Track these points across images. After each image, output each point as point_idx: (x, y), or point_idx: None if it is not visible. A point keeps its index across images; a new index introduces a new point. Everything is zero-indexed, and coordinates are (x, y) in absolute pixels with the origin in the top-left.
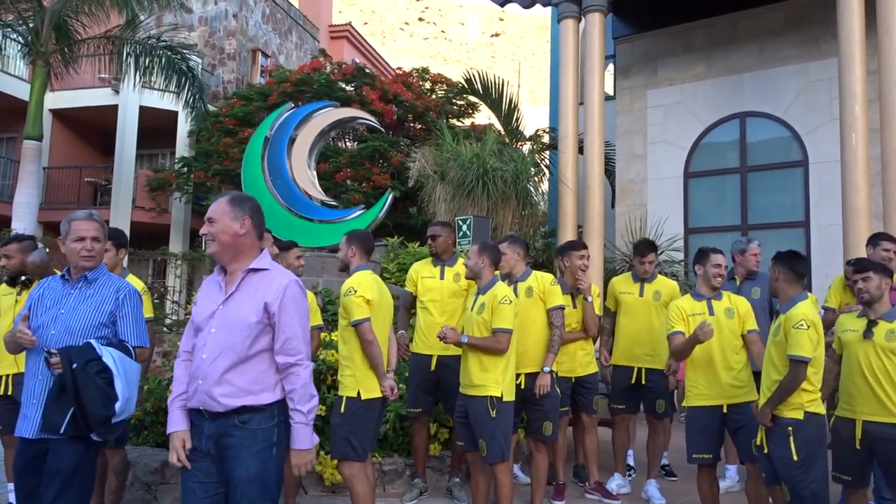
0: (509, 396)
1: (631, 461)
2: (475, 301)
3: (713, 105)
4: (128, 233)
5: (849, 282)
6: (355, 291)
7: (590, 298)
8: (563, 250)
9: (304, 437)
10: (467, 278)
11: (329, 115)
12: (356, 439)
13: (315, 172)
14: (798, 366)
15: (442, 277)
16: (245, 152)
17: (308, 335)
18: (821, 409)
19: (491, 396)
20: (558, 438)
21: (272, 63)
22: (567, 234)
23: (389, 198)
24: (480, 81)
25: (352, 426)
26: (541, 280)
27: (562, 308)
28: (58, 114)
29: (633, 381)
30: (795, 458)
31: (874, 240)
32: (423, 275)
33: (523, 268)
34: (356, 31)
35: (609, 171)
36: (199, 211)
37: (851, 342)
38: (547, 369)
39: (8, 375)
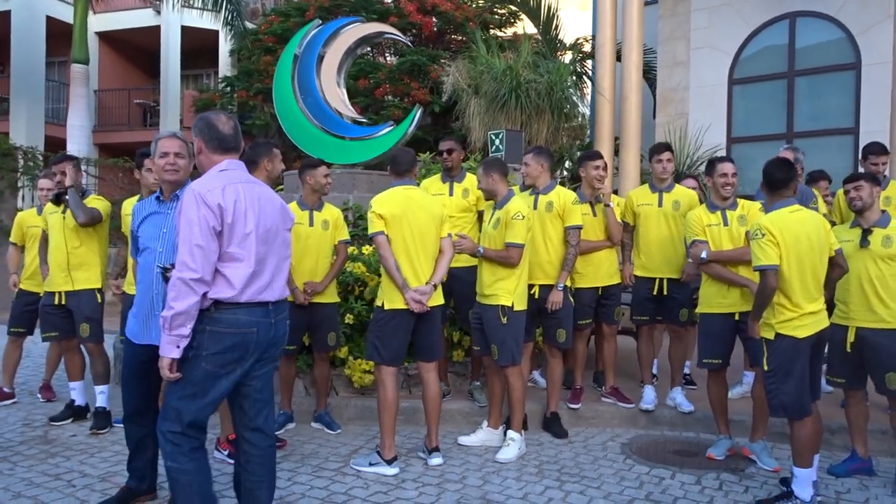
0: (520, 306)
1: (654, 370)
2: (492, 216)
3: (761, 5)
4: None
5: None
6: (371, 207)
7: (611, 205)
8: (580, 160)
9: (162, 343)
10: (487, 199)
11: (356, 30)
12: (381, 345)
13: (345, 90)
14: (763, 275)
15: (451, 194)
16: (275, 71)
17: (193, 244)
18: (799, 331)
19: (502, 305)
20: (572, 345)
21: None
22: (604, 146)
23: (418, 114)
24: None
25: (378, 333)
26: (563, 196)
27: (579, 227)
28: (104, 36)
29: (654, 292)
30: (766, 368)
31: (864, 152)
32: (431, 191)
33: (547, 180)
34: None
35: (650, 80)
36: (244, 130)
37: (849, 253)
38: (560, 286)
39: (61, 292)
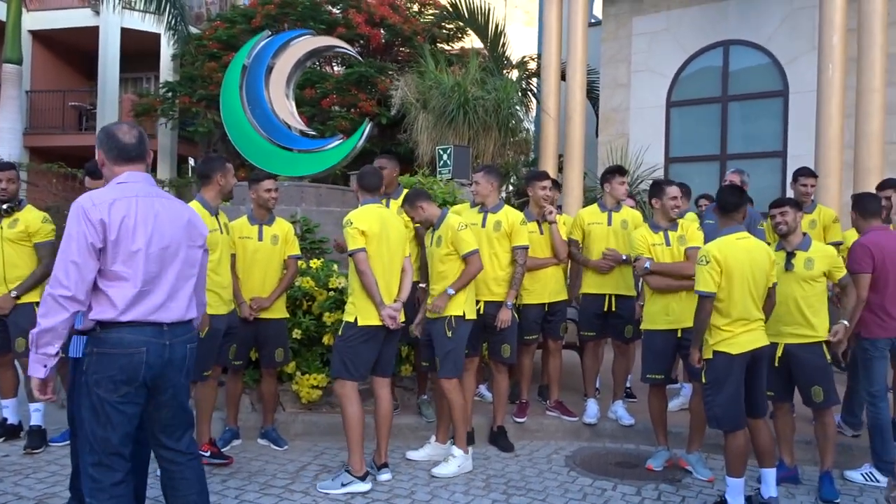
0: (470, 315)
1: (597, 384)
2: (433, 237)
3: (698, 33)
4: None
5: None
6: (351, 223)
7: (556, 223)
8: (527, 180)
9: (30, 363)
10: (427, 227)
11: (306, 43)
12: (350, 362)
13: (294, 102)
14: (700, 300)
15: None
16: (223, 81)
17: (68, 260)
18: (733, 347)
19: (450, 317)
20: (518, 360)
21: None
22: (548, 164)
23: (367, 127)
24: (466, 6)
25: (348, 349)
26: (511, 216)
27: (526, 248)
28: (38, 36)
29: (604, 309)
30: (703, 381)
31: (794, 175)
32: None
33: (496, 199)
34: None
35: (594, 100)
36: (185, 137)
37: (776, 275)
38: (509, 304)
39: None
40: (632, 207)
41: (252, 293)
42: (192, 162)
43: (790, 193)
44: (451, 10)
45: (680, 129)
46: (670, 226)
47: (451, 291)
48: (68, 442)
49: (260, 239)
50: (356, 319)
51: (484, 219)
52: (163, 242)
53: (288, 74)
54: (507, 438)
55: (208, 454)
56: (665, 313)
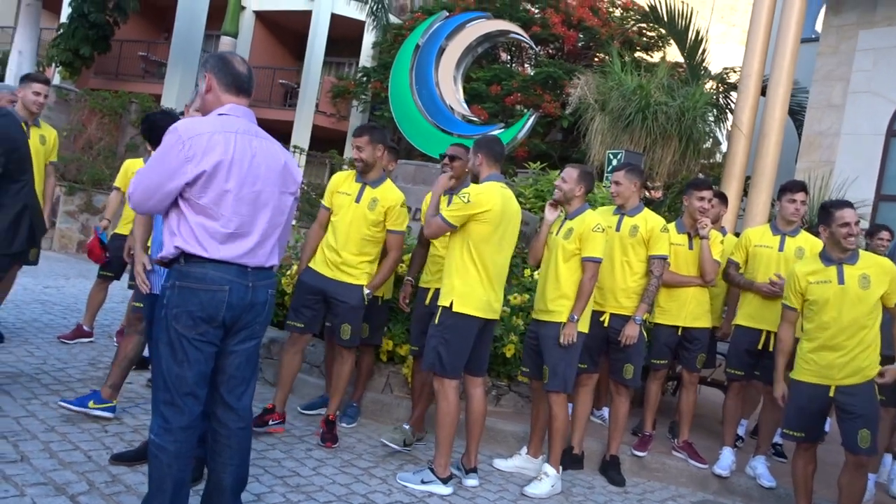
0: (583, 327)
1: (741, 431)
2: (562, 225)
3: None
4: (308, 135)
5: None
6: (481, 203)
7: (707, 238)
8: (686, 188)
9: None
10: (555, 199)
11: (480, 26)
12: (447, 354)
13: (461, 87)
14: None
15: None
16: (395, 58)
17: (143, 178)
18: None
19: (564, 323)
20: (644, 385)
21: None
22: (731, 184)
23: (531, 119)
24: (666, 9)
25: (444, 339)
26: (650, 222)
27: (664, 258)
28: (261, 16)
29: (759, 346)
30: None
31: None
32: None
33: (636, 202)
34: None
35: (798, 122)
36: (374, 121)
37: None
38: (638, 319)
39: None
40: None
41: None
42: None
43: None
44: (649, 12)
45: None
46: (847, 258)
47: (576, 317)
48: None
49: (357, 200)
50: (452, 303)
51: (619, 221)
52: (256, 185)
53: (459, 57)
54: (620, 471)
55: (278, 422)
56: (818, 364)
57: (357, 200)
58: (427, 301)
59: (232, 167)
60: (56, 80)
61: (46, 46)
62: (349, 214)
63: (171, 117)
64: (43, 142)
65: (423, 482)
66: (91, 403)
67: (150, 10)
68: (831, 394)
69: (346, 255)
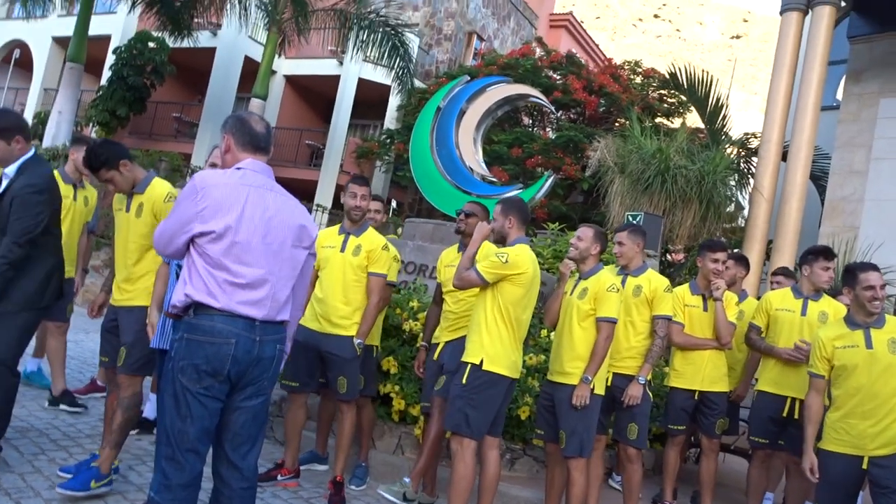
0: (599, 390)
1: None
2: (576, 285)
3: None
4: (332, 194)
5: None
6: (523, 264)
7: (721, 300)
8: (700, 249)
9: None
10: (570, 257)
11: (500, 90)
12: (474, 415)
13: (480, 148)
14: None
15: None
16: (417, 119)
17: (165, 228)
18: None
19: (574, 386)
20: (646, 444)
21: (486, 46)
22: (754, 247)
23: (549, 181)
24: (686, 76)
25: (473, 399)
26: (654, 282)
27: (668, 318)
28: (290, 80)
29: (784, 414)
30: None
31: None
32: (445, 262)
33: (640, 262)
34: (577, 21)
35: (821, 188)
36: (397, 182)
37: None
38: (642, 380)
39: None
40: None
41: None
42: (394, 204)
43: None
44: (668, 78)
45: None
46: (874, 321)
47: (589, 378)
48: None
49: (342, 250)
50: (482, 362)
51: (623, 281)
52: (268, 237)
53: (479, 120)
54: None
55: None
56: (849, 434)
57: (342, 250)
58: (436, 356)
59: (243, 219)
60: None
61: (86, 107)
62: (335, 265)
63: (110, 145)
64: (86, 203)
65: None
66: (93, 483)
67: (186, 74)
68: (864, 466)
69: (334, 302)
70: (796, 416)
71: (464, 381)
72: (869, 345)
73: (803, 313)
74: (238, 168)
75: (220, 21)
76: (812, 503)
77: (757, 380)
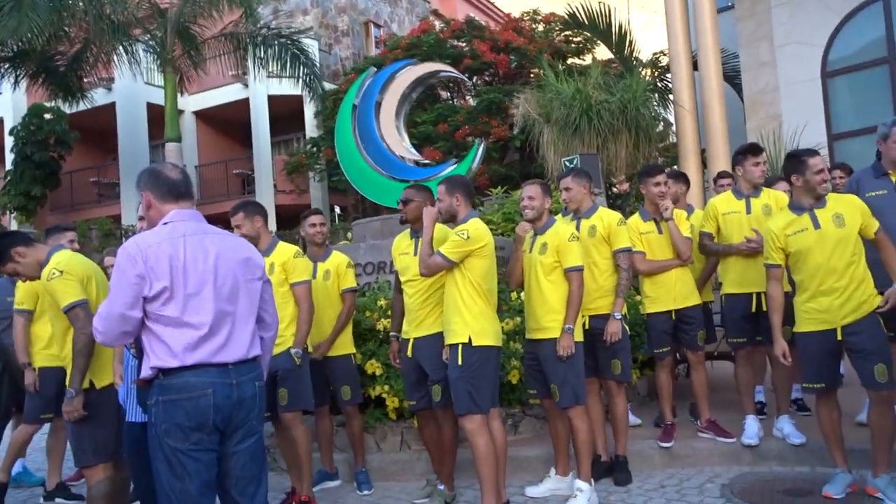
0: (579, 336)
1: (761, 397)
2: (534, 242)
3: None
4: (273, 215)
5: None
6: (482, 239)
7: (672, 219)
8: (639, 176)
9: None
10: (528, 219)
11: (410, 73)
12: (475, 391)
13: (406, 135)
14: None
15: (416, 253)
16: (336, 122)
17: (109, 309)
18: None
19: (560, 336)
20: (630, 376)
21: (385, 32)
22: (689, 161)
23: (480, 148)
24: (585, 13)
25: (473, 378)
26: (607, 218)
27: (628, 250)
28: (200, 115)
29: (752, 310)
30: None
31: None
32: (400, 250)
33: (589, 203)
34: None
35: (737, 87)
36: (335, 187)
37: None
38: (618, 315)
39: None
40: (785, 191)
41: (315, 331)
42: (337, 210)
43: None
44: (569, 20)
45: (842, 101)
46: (817, 203)
47: (571, 328)
48: None
49: (313, 276)
50: (470, 339)
51: (577, 226)
52: (218, 281)
53: (396, 108)
54: (627, 469)
55: None
56: (818, 311)
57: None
58: (409, 353)
59: (187, 271)
60: (13, 225)
61: None
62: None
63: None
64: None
65: None
66: None
67: (93, 136)
68: (839, 336)
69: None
70: (764, 309)
71: (459, 361)
72: (816, 225)
73: (748, 211)
74: (165, 223)
75: (111, 74)
76: (799, 384)
77: (721, 284)
